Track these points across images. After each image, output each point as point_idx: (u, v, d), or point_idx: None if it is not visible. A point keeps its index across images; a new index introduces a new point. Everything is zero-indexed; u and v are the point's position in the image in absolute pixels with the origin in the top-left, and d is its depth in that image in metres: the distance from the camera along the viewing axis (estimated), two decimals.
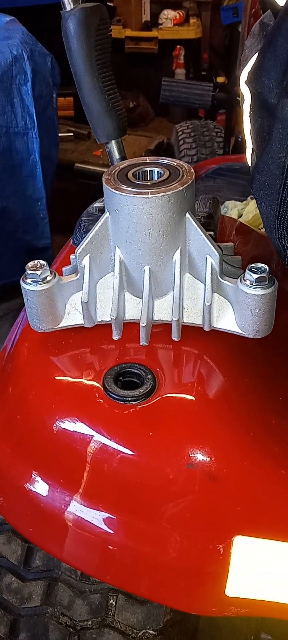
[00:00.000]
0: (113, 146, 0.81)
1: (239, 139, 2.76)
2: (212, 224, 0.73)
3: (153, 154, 3.27)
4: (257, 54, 0.52)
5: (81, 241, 0.78)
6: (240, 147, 2.70)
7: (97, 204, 0.85)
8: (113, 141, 0.80)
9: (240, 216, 1.48)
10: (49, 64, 2.29)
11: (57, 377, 0.62)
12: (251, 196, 1.57)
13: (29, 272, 0.58)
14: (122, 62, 4.68)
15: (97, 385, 0.59)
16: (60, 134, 2.62)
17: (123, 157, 0.82)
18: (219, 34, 5.08)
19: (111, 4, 4.54)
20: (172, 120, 4.47)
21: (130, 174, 0.59)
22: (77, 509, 0.58)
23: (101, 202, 0.85)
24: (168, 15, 4.90)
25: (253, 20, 2.28)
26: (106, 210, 0.60)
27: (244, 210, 1.50)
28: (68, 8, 0.73)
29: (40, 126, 2.23)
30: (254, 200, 1.52)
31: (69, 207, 2.72)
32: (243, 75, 0.54)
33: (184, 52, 4.94)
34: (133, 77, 4.64)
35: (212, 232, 0.69)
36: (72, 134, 3.46)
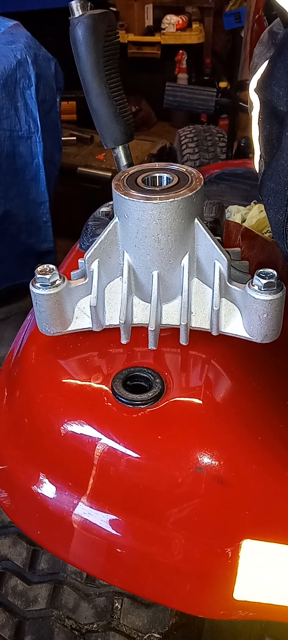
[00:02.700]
0: (120, 151, 0.81)
1: (242, 144, 2.77)
2: (219, 229, 0.74)
3: (156, 159, 3.28)
4: (266, 62, 0.52)
5: (88, 245, 0.79)
6: (243, 152, 2.71)
7: (103, 209, 0.85)
8: (120, 146, 0.81)
9: (243, 221, 1.49)
10: (53, 69, 2.30)
11: (65, 381, 0.63)
12: (254, 201, 1.58)
13: (38, 276, 0.59)
14: (124, 67, 4.69)
15: (106, 388, 0.60)
16: (63, 138, 2.63)
17: (130, 162, 0.82)
18: (222, 39, 5.10)
19: (114, 9, 4.56)
20: (175, 125, 4.49)
21: (139, 180, 0.60)
22: (85, 511, 0.59)
23: (107, 206, 0.86)
24: (171, 21, 4.92)
25: (256, 26, 2.29)
26: (115, 215, 0.60)
27: (248, 215, 1.51)
28: (76, 14, 0.74)
29: (44, 130, 2.24)
30: (258, 205, 1.52)
31: (72, 210, 2.73)
32: (253, 83, 0.55)
33: (187, 57, 4.95)
34: (135, 82, 4.64)
35: (219, 237, 0.69)
36: (74, 137, 3.47)
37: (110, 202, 0.86)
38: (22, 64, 2.14)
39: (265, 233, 1.34)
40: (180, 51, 4.94)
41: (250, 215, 1.50)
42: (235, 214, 1.53)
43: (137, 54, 4.86)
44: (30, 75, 2.15)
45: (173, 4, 5.03)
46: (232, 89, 2.72)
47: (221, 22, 4.76)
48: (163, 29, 4.96)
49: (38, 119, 2.20)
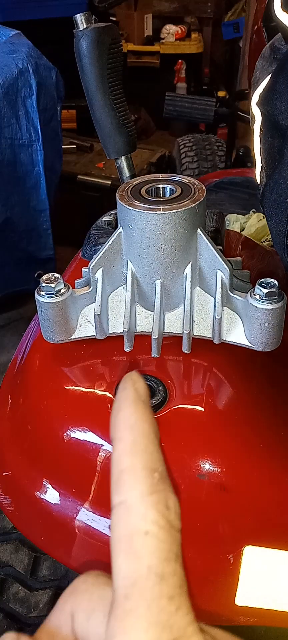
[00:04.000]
0: (123, 162, 0.83)
1: (240, 153, 2.79)
2: (220, 239, 0.75)
3: (155, 167, 3.30)
4: (268, 76, 0.53)
5: (91, 254, 0.80)
6: (241, 161, 2.73)
7: (105, 218, 0.87)
8: (123, 157, 0.82)
9: (242, 229, 1.50)
10: (54, 78, 2.32)
11: (69, 388, 0.64)
12: (253, 210, 1.59)
13: (44, 284, 0.60)
14: (124, 76, 4.72)
15: (109, 396, 0.60)
16: (63, 146, 2.64)
17: (132, 173, 0.84)
18: (220, 49, 5.14)
19: (114, 19, 4.60)
20: (173, 134, 4.52)
21: (143, 191, 0.61)
22: (88, 517, 0.59)
23: (109, 215, 0.87)
24: (170, 30, 4.96)
25: (255, 36, 2.31)
26: (119, 225, 0.61)
27: (247, 224, 1.52)
28: (81, 27, 0.75)
29: (45, 139, 2.25)
30: (256, 214, 1.54)
31: (72, 218, 2.74)
32: (255, 97, 0.56)
33: (185, 66, 4.99)
34: (135, 91, 4.67)
35: (220, 247, 0.70)
36: (74, 146, 3.49)
37: (113, 212, 0.87)
38: (24, 73, 2.15)
39: (264, 242, 1.35)
40: (179, 61, 4.98)
41: (249, 224, 1.52)
42: (234, 222, 1.54)
43: (137, 63, 4.90)
44: (31, 84, 2.17)
45: (173, 14, 5.08)
46: (230, 99, 2.74)
47: (220, 32, 4.80)
48: (163, 39, 5.00)
49: (39, 127, 2.22)
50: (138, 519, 0.30)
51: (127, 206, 0.58)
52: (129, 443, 0.32)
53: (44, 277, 0.60)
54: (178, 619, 0.28)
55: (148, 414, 0.33)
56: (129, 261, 0.61)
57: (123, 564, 0.29)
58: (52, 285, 0.60)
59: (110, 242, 0.61)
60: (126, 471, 0.31)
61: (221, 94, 3.92)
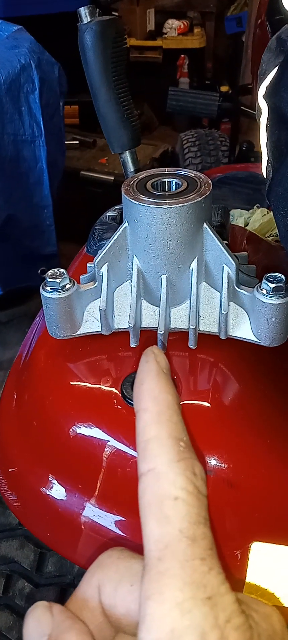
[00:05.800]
0: (127, 156, 0.82)
1: (244, 148, 2.78)
2: (225, 233, 0.74)
3: (158, 163, 3.29)
4: (275, 68, 0.53)
5: (95, 249, 0.79)
6: (244, 156, 2.72)
7: (110, 213, 0.86)
8: (127, 151, 0.82)
9: (246, 224, 1.50)
10: (56, 73, 2.31)
11: (74, 383, 0.63)
12: (257, 205, 1.58)
13: (49, 280, 0.59)
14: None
15: (115, 391, 0.60)
16: (65, 142, 2.64)
17: (137, 167, 0.83)
18: (223, 44, 5.12)
19: (116, 14, 4.58)
20: (176, 129, 4.51)
21: (148, 185, 0.60)
22: (94, 513, 0.59)
23: (114, 210, 0.87)
24: (173, 25, 4.94)
25: (259, 30, 2.30)
26: (125, 219, 0.61)
27: (251, 219, 1.52)
28: (85, 21, 0.74)
29: (48, 134, 2.25)
30: (260, 209, 1.53)
31: (75, 214, 2.74)
32: (261, 90, 0.56)
33: (188, 61, 4.98)
34: (137, 86, 4.65)
35: (226, 242, 0.70)
36: (77, 141, 3.49)
37: (117, 207, 0.86)
38: (26, 68, 2.15)
39: (269, 237, 1.35)
40: (182, 55, 4.96)
41: (253, 219, 1.51)
42: (237, 217, 1.54)
43: (139, 58, 4.88)
44: (34, 79, 2.16)
45: (175, 8, 5.06)
46: (234, 93, 2.73)
47: (222, 27, 4.76)
48: (165, 34, 4.98)
49: (42, 123, 2.21)
50: (167, 485, 0.31)
51: (133, 200, 0.58)
52: (154, 413, 0.33)
53: (50, 272, 0.60)
54: (212, 579, 0.28)
55: (170, 386, 0.34)
56: (134, 256, 0.61)
57: (154, 528, 0.30)
58: (58, 280, 0.59)
59: (115, 237, 0.61)
60: (152, 440, 0.32)
61: (224, 88, 3.91)
